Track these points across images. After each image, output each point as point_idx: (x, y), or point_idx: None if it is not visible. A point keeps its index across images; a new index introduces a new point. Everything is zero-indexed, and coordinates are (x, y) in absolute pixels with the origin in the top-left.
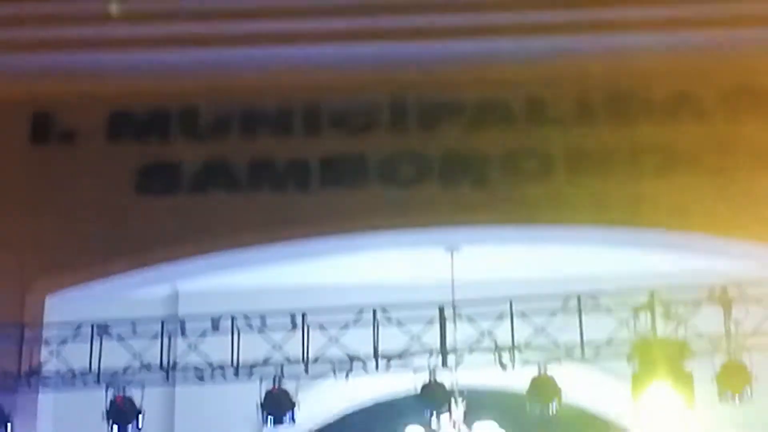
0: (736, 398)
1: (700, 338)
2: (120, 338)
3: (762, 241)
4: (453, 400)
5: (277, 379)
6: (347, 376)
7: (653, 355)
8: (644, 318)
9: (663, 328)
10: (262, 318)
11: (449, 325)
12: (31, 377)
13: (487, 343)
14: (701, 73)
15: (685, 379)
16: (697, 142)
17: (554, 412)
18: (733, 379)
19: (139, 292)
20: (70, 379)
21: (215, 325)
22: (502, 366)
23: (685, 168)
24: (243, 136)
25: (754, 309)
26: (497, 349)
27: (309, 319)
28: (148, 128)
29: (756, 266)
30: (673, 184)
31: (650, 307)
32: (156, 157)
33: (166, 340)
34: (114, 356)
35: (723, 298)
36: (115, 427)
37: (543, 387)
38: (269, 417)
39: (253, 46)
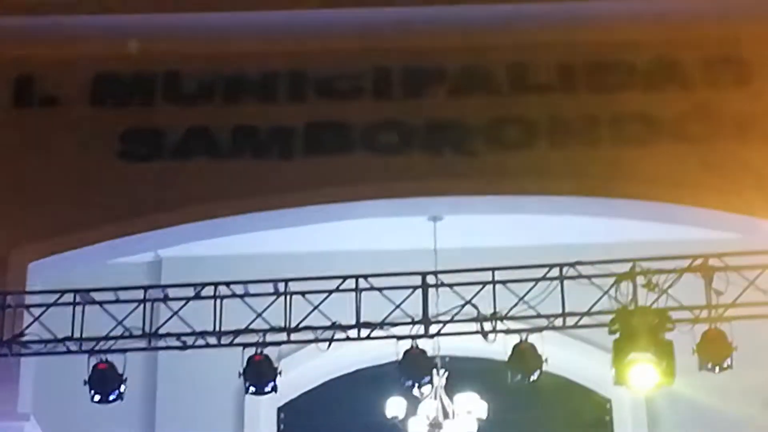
0: (716, 369)
1: (681, 309)
2: (103, 305)
3: (742, 212)
4: (435, 368)
5: (259, 346)
6: (329, 343)
7: (634, 325)
8: (625, 288)
9: (644, 298)
10: (245, 285)
11: (432, 294)
12: (13, 344)
13: (469, 311)
14: (684, 41)
15: (665, 349)
16: (680, 111)
17: (535, 380)
18: (714, 349)
19: (122, 259)
20: (53, 345)
21: (198, 292)
22: (484, 335)
23: (667, 137)
24: (226, 102)
25: (735, 280)
26: (479, 317)
27: (291, 286)
28: (131, 93)
29: (737, 237)
30: (655, 153)
31: (631, 276)
32: (139, 123)
33: (148, 307)
34: (97, 323)
35: (704, 269)
36: (97, 393)
37: (524, 356)
38: (251, 384)
39: (237, 10)
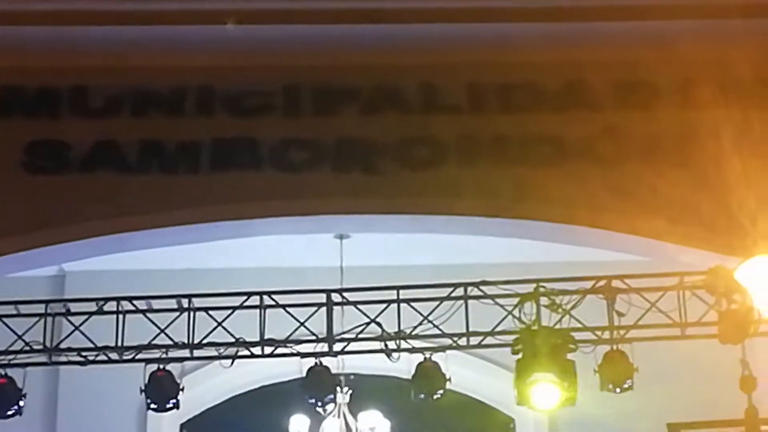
0: (618, 389)
1: (583, 329)
2: (2, 318)
3: (646, 235)
4: (338, 386)
5: (161, 362)
6: (233, 360)
7: (537, 345)
8: (529, 308)
9: (547, 319)
10: (148, 300)
11: (336, 312)
12: None
13: (373, 330)
14: (592, 63)
15: (568, 369)
16: (588, 133)
17: (439, 399)
18: (615, 370)
19: (24, 272)
20: None
21: (100, 307)
22: (388, 353)
23: (575, 159)
24: (134, 116)
25: (637, 301)
26: (383, 336)
27: (195, 302)
28: (37, 106)
29: (639, 259)
30: (563, 175)
31: (535, 297)
32: (45, 135)
33: (50, 321)
34: None
35: (607, 290)
36: None
37: (428, 374)
38: (153, 400)
39: (146, 24)
